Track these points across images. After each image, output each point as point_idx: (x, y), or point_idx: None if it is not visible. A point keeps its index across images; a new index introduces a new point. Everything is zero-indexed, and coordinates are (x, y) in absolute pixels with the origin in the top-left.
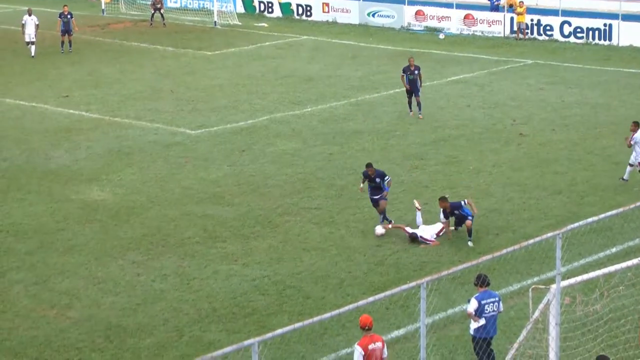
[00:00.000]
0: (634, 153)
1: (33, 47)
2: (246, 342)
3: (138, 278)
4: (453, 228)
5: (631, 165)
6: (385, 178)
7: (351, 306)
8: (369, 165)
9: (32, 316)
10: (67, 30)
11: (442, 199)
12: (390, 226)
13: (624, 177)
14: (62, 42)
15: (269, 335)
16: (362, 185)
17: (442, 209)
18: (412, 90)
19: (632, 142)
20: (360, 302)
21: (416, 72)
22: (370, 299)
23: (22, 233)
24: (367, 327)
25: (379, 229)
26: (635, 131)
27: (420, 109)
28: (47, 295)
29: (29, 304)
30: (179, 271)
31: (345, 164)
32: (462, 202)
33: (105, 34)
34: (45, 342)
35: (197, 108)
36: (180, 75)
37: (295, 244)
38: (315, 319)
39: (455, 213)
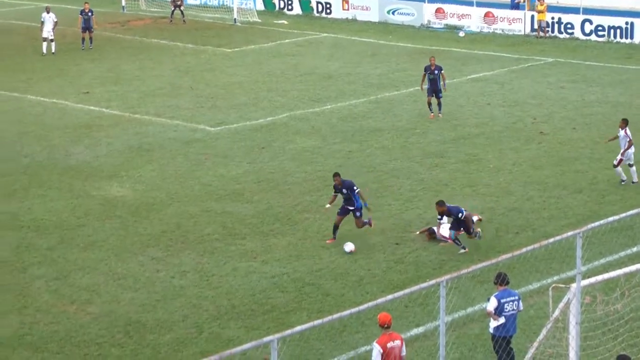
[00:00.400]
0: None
1: (53, 44)
2: (265, 339)
3: (157, 274)
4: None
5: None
6: (355, 189)
7: (370, 304)
8: (335, 175)
9: (52, 311)
10: (87, 27)
11: (439, 204)
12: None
13: (623, 179)
14: (83, 39)
15: (288, 332)
16: (328, 205)
17: (439, 213)
18: (433, 90)
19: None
20: (380, 300)
21: (436, 72)
22: (390, 296)
23: (43, 229)
24: (386, 325)
25: (349, 246)
26: (622, 128)
27: (440, 109)
28: (67, 291)
29: (49, 299)
30: (198, 268)
31: (364, 162)
32: (460, 212)
33: (126, 30)
34: (65, 337)
35: (216, 105)
36: (199, 72)
37: (314, 242)
38: (335, 316)
39: (459, 217)
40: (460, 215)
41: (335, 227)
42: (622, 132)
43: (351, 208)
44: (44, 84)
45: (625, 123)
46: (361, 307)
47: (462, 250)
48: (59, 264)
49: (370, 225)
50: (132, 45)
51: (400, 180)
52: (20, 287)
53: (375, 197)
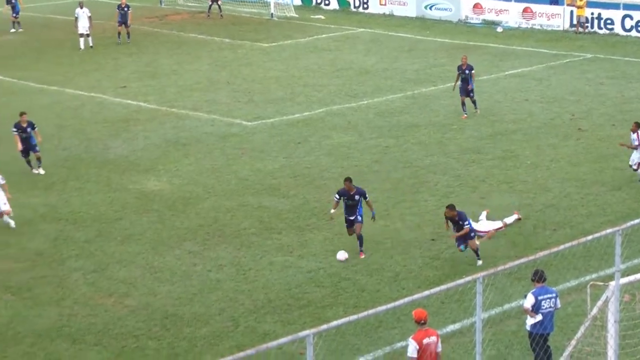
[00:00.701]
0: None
1: (90, 39)
2: (301, 334)
3: (194, 268)
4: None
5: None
6: (367, 198)
7: (406, 299)
8: (346, 180)
9: (90, 303)
10: (124, 22)
11: (450, 207)
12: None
13: None
14: (119, 33)
15: (324, 327)
16: (333, 210)
17: (448, 218)
18: (465, 90)
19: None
20: (416, 296)
21: (467, 71)
22: (426, 292)
23: (81, 221)
24: (422, 321)
25: (342, 254)
26: (635, 131)
27: (475, 106)
28: (105, 283)
29: (87, 292)
30: (234, 262)
31: (401, 157)
32: (467, 221)
33: (163, 25)
34: (103, 329)
35: (253, 100)
36: (236, 66)
37: (350, 237)
38: (370, 311)
39: (459, 223)
40: (462, 223)
41: (361, 238)
42: (633, 135)
43: (351, 218)
44: (82, 78)
45: (637, 126)
46: (397, 303)
47: (479, 262)
48: (97, 257)
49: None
50: (169, 39)
51: (436, 176)
52: (59, 279)
53: (411, 193)
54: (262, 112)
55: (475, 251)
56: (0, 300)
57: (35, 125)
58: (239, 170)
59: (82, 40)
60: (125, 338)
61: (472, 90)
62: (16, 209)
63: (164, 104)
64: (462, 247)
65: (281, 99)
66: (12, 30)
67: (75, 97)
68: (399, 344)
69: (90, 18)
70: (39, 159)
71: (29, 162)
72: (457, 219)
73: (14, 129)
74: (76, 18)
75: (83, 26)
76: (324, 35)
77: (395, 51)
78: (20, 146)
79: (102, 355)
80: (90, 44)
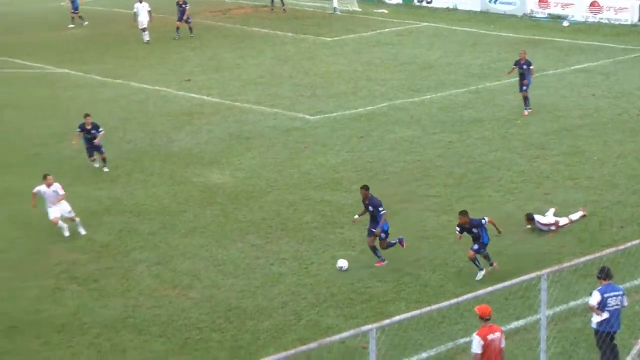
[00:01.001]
0: None
1: (146, 34)
2: (364, 328)
3: (257, 261)
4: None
5: None
6: (380, 210)
7: (470, 295)
8: (362, 188)
9: (155, 295)
10: (183, 18)
11: (462, 214)
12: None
13: None
14: (177, 28)
15: (387, 321)
16: (357, 216)
17: (459, 224)
18: (523, 84)
19: None
20: (479, 292)
21: (525, 66)
22: (490, 288)
23: (145, 214)
24: (486, 317)
25: (342, 262)
26: None
27: (528, 104)
28: (169, 275)
29: (152, 283)
30: (297, 255)
31: (464, 152)
32: (483, 220)
33: (227, 19)
34: (167, 320)
35: (315, 94)
36: (299, 60)
37: (413, 232)
38: (434, 307)
39: (473, 231)
40: (475, 230)
41: (373, 249)
42: None
43: (373, 230)
44: (146, 72)
45: None
46: (460, 299)
47: (480, 273)
48: (161, 249)
49: (402, 245)
50: (232, 33)
51: (500, 171)
52: (124, 271)
53: (475, 188)
54: (325, 106)
55: (473, 261)
56: (66, 291)
57: (100, 128)
58: (301, 164)
59: (144, 34)
60: (189, 330)
61: (527, 85)
62: (82, 202)
63: (227, 98)
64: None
65: (344, 93)
66: (71, 25)
67: (140, 90)
68: (462, 340)
69: (150, 12)
70: (104, 160)
71: (93, 161)
72: (469, 226)
73: (78, 130)
74: (135, 13)
75: (142, 21)
76: (387, 30)
77: (459, 45)
78: (77, 144)
79: (166, 346)
80: (147, 39)
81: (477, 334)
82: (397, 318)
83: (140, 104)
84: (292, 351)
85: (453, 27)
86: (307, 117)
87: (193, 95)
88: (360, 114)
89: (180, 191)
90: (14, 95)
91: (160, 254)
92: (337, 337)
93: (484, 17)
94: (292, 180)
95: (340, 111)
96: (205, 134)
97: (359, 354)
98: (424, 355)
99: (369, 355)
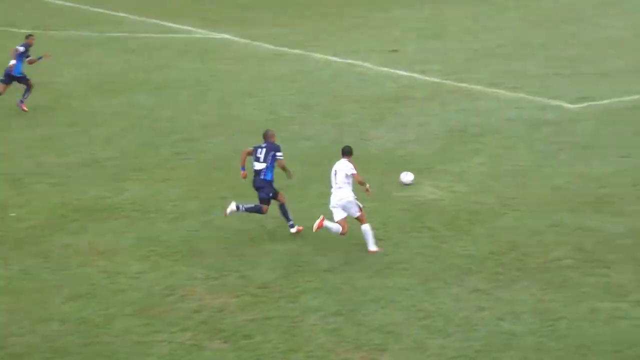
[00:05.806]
0: None
1: None
2: None
3: (480, 314)
4: None
5: None
6: None
7: None
8: None
9: (331, 359)
10: None
11: None
12: None
13: None
14: None
15: None
16: None
17: None
18: None
19: None
20: None
21: None
22: None
23: (323, 242)
24: None
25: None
26: None
27: None
28: (352, 331)
29: (327, 342)
30: (539, 307)
31: None
32: None
33: None
34: None
35: (578, 72)
36: (557, 23)
37: None
38: None
39: None
40: None
41: None
42: None
43: None
44: (336, 38)
45: None
46: None
47: None
48: (342, 293)
49: None
50: None
51: None
52: (289, 322)
53: None
54: (592, 91)
55: None
56: (206, 350)
57: (280, 152)
58: (553, 174)
59: None
60: None
61: None
62: (234, 223)
63: (450, 77)
64: None
65: (620, 72)
66: None
67: (326, 64)
68: None
69: None
70: None
71: None
72: None
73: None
74: None
75: None
76: None
77: None
78: (247, 174)
79: None
80: None
81: None
82: None
83: (326, 84)
84: None
85: None
86: (566, 105)
87: (401, 72)
88: None
89: (375, 210)
90: (153, 72)
91: (341, 299)
92: None
93: None
94: (539, 198)
95: (614, 97)
96: (415, 129)
97: None
98: None
99: None
